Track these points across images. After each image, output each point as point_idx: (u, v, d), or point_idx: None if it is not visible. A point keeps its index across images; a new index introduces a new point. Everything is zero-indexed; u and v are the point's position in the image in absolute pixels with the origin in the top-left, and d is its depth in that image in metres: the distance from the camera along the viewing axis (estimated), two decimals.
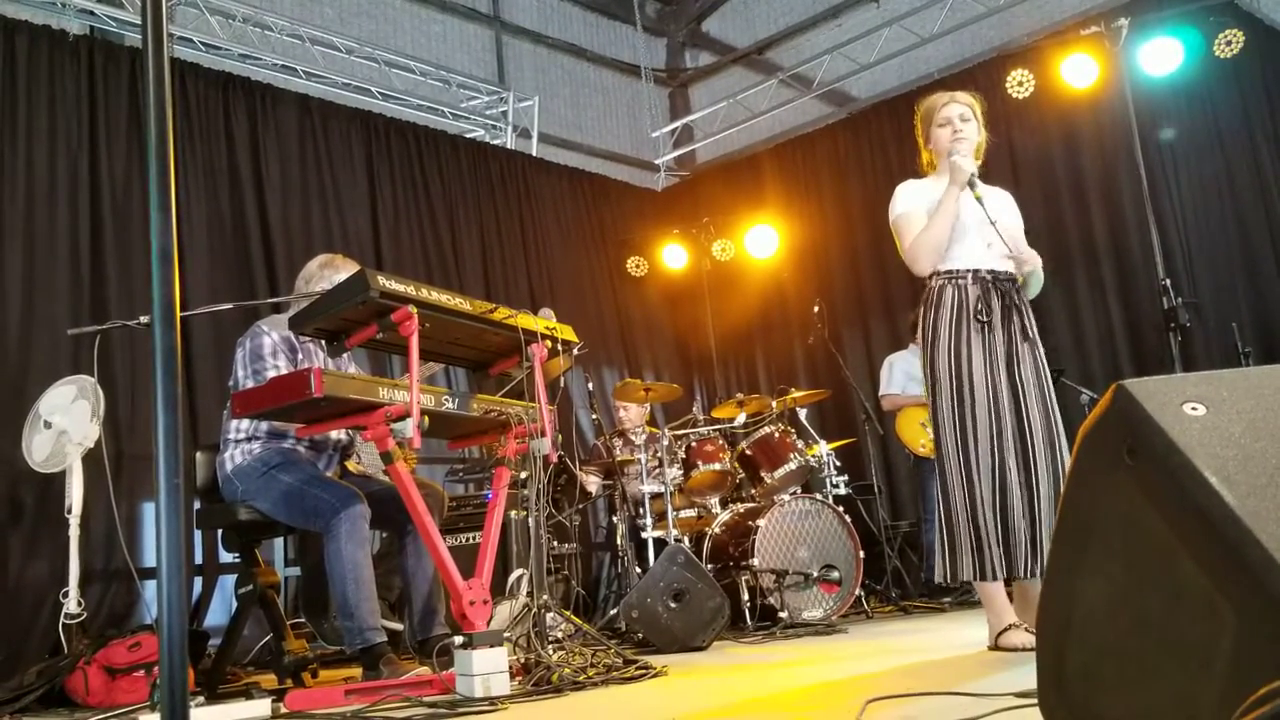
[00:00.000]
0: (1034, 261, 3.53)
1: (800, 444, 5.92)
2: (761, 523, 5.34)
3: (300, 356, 3.88)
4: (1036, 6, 7.80)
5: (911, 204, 3.59)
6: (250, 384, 3.67)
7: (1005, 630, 3.32)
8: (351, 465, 4.07)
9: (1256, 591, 1.12)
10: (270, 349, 3.79)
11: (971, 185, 3.44)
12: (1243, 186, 6.58)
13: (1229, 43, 6.25)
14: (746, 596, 5.28)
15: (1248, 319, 6.36)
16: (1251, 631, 1.13)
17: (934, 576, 3.46)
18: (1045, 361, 3.50)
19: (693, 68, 10.39)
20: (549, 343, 3.61)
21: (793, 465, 5.79)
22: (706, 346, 8.87)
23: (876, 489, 6.78)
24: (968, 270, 3.49)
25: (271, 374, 3.67)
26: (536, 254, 8.32)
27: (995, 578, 3.30)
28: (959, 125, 3.57)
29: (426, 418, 3.21)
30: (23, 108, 5.60)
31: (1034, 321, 3.53)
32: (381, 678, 3.33)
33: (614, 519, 6.23)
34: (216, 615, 5.60)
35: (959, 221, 3.48)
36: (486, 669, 3.03)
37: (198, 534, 5.49)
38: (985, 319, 3.41)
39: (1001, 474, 3.33)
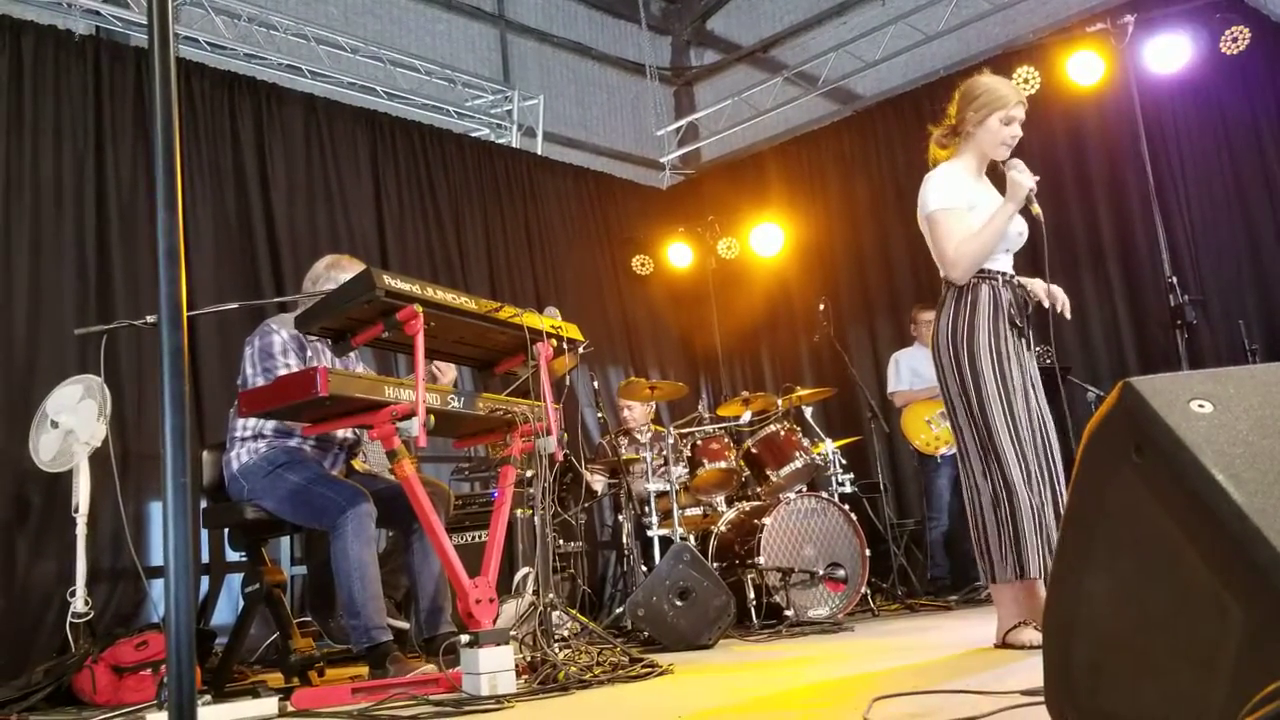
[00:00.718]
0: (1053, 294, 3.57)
1: (806, 442, 5.92)
2: (767, 521, 5.34)
3: (309, 354, 3.89)
4: (1042, 3, 7.79)
5: (949, 199, 3.46)
6: (260, 381, 3.67)
7: (1015, 627, 3.31)
8: (357, 464, 4.08)
9: (1264, 589, 1.12)
10: (280, 347, 3.79)
11: (1030, 202, 3.41)
12: (1249, 183, 6.57)
13: (1235, 39, 6.24)
14: (752, 595, 5.28)
15: (1254, 316, 6.35)
16: (1258, 629, 1.13)
17: (998, 574, 3.34)
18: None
19: (698, 66, 10.38)
20: (554, 341, 3.61)
21: (798, 463, 5.79)
22: (712, 345, 8.87)
23: (882, 487, 6.78)
24: (999, 272, 3.49)
25: (282, 371, 3.67)
26: (542, 252, 8.33)
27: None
28: (1017, 131, 3.50)
29: (432, 416, 3.21)
30: (29, 108, 5.61)
31: None
32: (388, 676, 3.33)
33: (619, 517, 6.23)
34: (223, 614, 5.61)
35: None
36: (493, 667, 3.03)
37: (204, 533, 5.50)
38: (1021, 324, 3.44)
39: (1053, 474, 3.36)
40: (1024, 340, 3.47)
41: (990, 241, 3.41)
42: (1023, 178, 3.41)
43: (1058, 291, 3.58)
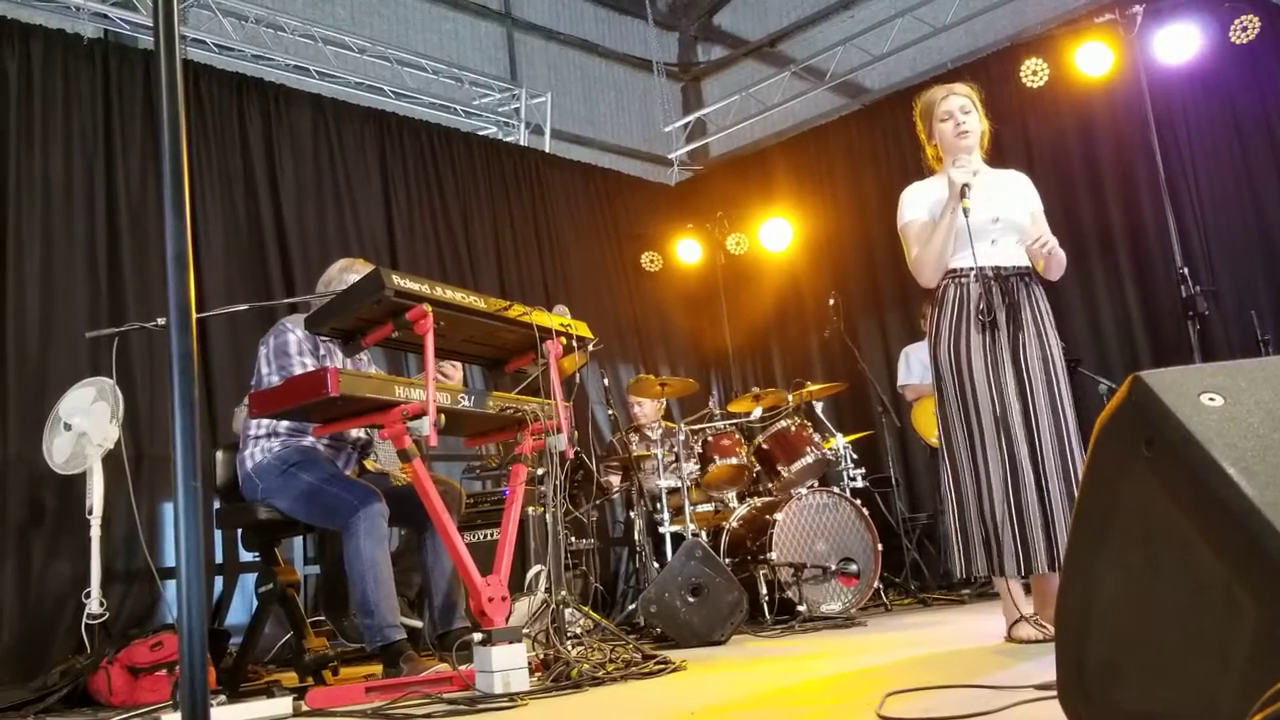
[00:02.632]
0: (1046, 248, 3.47)
1: (817, 437, 5.91)
2: (779, 516, 5.34)
3: (323, 353, 3.90)
4: None
5: (915, 212, 3.60)
6: (275, 379, 3.68)
7: (1015, 623, 3.34)
8: (369, 464, 4.09)
9: (1275, 583, 1.11)
10: (296, 346, 3.80)
11: (963, 196, 3.40)
12: (1260, 173, 6.53)
13: (1245, 28, 6.21)
14: (764, 590, 5.28)
15: (1267, 307, 6.31)
16: (1271, 623, 1.12)
17: (954, 572, 3.48)
18: (1057, 353, 3.45)
19: (705, 61, 10.37)
20: (564, 339, 3.61)
21: (809, 459, 5.78)
22: (722, 341, 8.87)
23: (894, 481, 6.76)
24: (969, 269, 3.48)
25: (297, 370, 3.69)
26: (550, 250, 8.33)
27: (1007, 573, 3.30)
28: (960, 118, 3.55)
29: (443, 415, 3.22)
30: (39, 112, 5.63)
31: (1047, 312, 3.50)
32: (402, 675, 3.34)
33: (631, 514, 6.24)
34: (237, 614, 5.63)
35: (959, 227, 3.45)
36: (506, 665, 3.04)
37: (218, 533, 5.52)
38: (987, 318, 3.41)
39: (1013, 469, 3.33)
40: (1004, 331, 3.40)
41: (939, 243, 3.48)
42: (956, 174, 3.44)
43: (1037, 242, 3.50)
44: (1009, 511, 3.31)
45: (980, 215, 3.44)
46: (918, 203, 3.61)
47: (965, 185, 3.40)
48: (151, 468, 5.54)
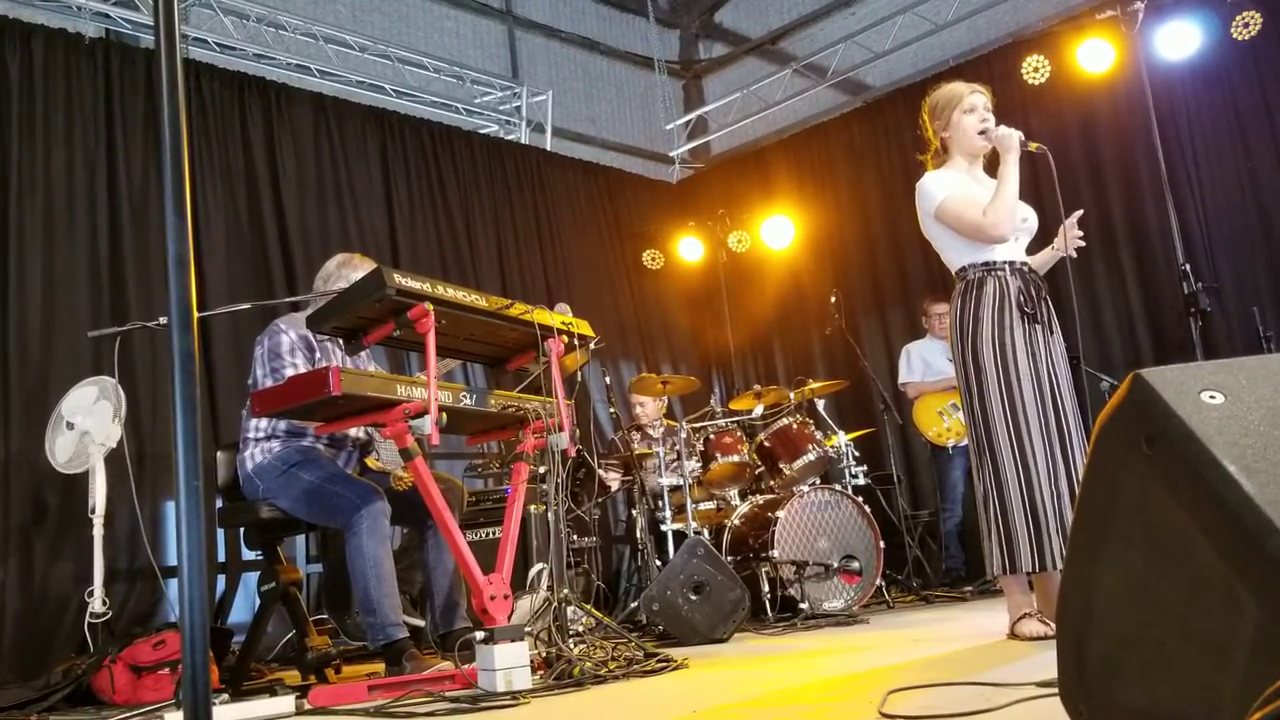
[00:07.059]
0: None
1: (819, 435, 5.91)
2: (781, 514, 5.34)
3: (318, 354, 3.90)
4: None
5: (950, 187, 3.53)
6: (269, 382, 3.69)
7: (1021, 619, 3.34)
8: (371, 462, 4.09)
9: (1276, 580, 1.12)
10: (288, 347, 3.81)
11: (1023, 145, 3.47)
12: (1262, 169, 6.52)
13: (1246, 25, 6.20)
14: (767, 588, 5.28)
15: (1268, 302, 6.31)
16: (1272, 620, 1.12)
17: (991, 569, 3.42)
18: (1065, 352, 3.53)
19: (706, 59, 10.37)
20: (565, 337, 3.61)
21: (811, 456, 5.78)
22: (723, 338, 8.87)
23: (896, 479, 6.76)
24: (1005, 262, 3.50)
25: (290, 372, 3.69)
26: (552, 248, 8.33)
27: (1056, 567, 3.28)
28: (985, 115, 3.58)
29: (444, 414, 3.22)
30: (40, 111, 5.63)
31: (1053, 311, 3.57)
32: (404, 673, 3.34)
33: (633, 512, 6.24)
34: (240, 612, 5.63)
35: None
36: (508, 663, 3.04)
37: (221, 532, 5.52)
38: (1030, 310, 3.43)
39: (1053, 463, 3.34)
40: (1039, 326, 3.46)
41: (1010, 195, 3.43)
42: (1009, 130, 3.49)
43: (1068, 230, 3.61)
44: (1057, 505, 3.30)
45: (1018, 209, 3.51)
46: (946, 182, 3.55)
47: (1022, 136, 3.47)
48: (154, 466, 5.55)
